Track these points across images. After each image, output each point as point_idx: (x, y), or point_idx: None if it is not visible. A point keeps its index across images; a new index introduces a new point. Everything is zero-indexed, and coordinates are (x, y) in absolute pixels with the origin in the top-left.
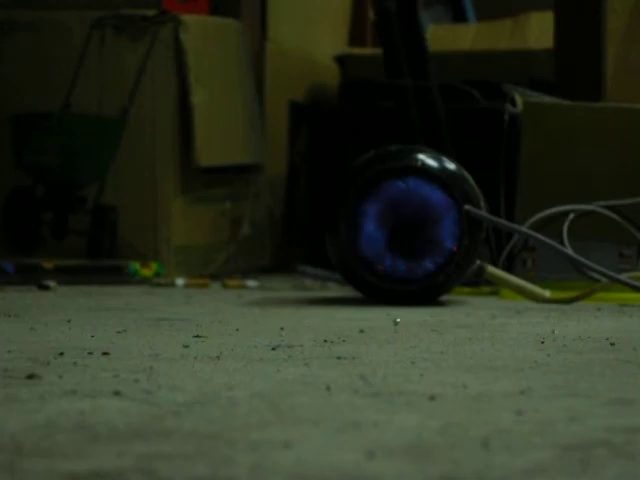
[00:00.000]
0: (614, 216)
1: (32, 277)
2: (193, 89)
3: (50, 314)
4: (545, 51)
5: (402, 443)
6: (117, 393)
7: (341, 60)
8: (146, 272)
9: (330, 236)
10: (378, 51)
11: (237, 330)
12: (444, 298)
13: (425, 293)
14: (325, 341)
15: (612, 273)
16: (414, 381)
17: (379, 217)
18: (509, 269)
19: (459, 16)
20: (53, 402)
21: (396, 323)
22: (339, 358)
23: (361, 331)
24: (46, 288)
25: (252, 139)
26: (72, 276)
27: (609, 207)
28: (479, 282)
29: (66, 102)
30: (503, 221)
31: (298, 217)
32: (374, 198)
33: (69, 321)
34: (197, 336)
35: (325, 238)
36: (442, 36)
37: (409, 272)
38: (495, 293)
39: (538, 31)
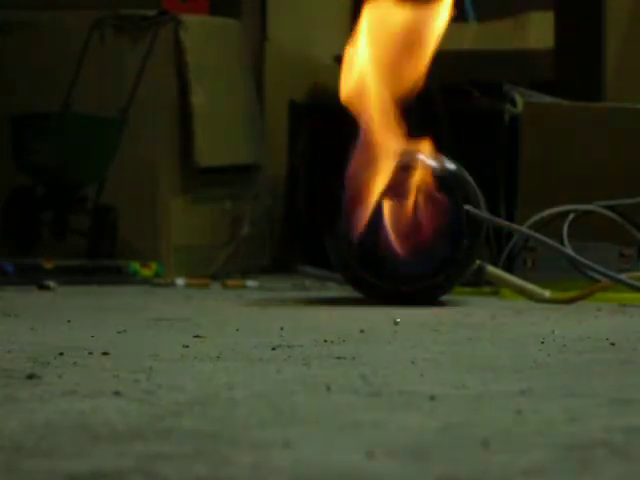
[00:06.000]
0: (614, 216)
1: (32, 277)
2: (193, 89)
3: (50, 314)
4: (545, 51)
5: (402, 443)
6: (117, 393)
7: (341, 60)
8: (146, 272)
9: (329, 236)
10: None
11: (237, 330)
12: (444, 298)
13: (425, 293)
14: (325, 341)
15: (612, 273)
16: (414, 381)
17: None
18: (509, 269)
19: (459, 16)
20: (53, 402)
21: (396, 323)
22: (339, 358)
23: (361, 331)
24: (46, 288)
25: (252, 139)
26: (72, 276)
27: (609, 207)
28: (479, 282)
29: (66, 102)
30: (503, 221)
31: (298, 217)
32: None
33: (69, 321)
34: (197, 336)
35: (325, 238)
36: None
37: (409, 272)
38: (495, 293)
39: (538, 31)
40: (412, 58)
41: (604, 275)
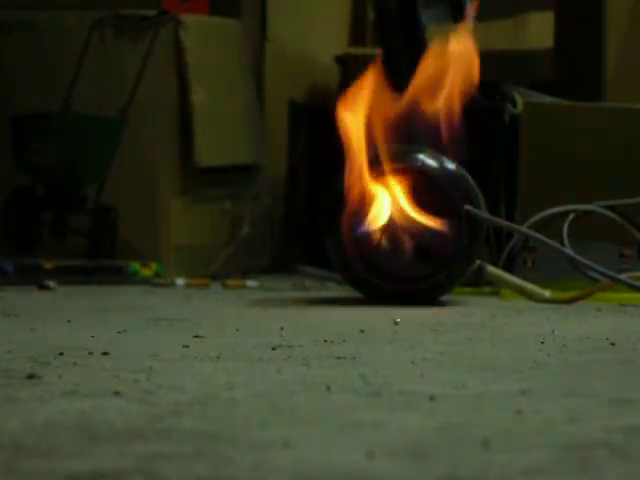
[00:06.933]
0: (614, 216)
1: (32, 277)
2: (193, 89)
3: (50, 314)
4: (545, 51)
5: (402, 443)
6: (117, 393)
7: (341, 60)
8: (146, 272)
9: (329, 236)
10: (378, 51)
11: (237, 330)
12: (444, 298)
13: (425, 293)
14: (325, 341)
15: (612, 273)
16: (414, 381)
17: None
18: (509, 269)
19: (459, 16)
20: (53, 402)
21: (396, 323)
22: (339, 358)
23: (361, 331)
24: (46, 288)
25: (252, 139)
26: (72, 276)
27: (609, 207)
28: (479, 282)
29: (66, 102)
30: (503, 221)
31: (298, 217)
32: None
33: (69, 321)
34: (197, 336)
35: (325, 238)
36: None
37: (409, 272)
38: (495, 293)
39: (538, 31)
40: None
41: (604, 275)
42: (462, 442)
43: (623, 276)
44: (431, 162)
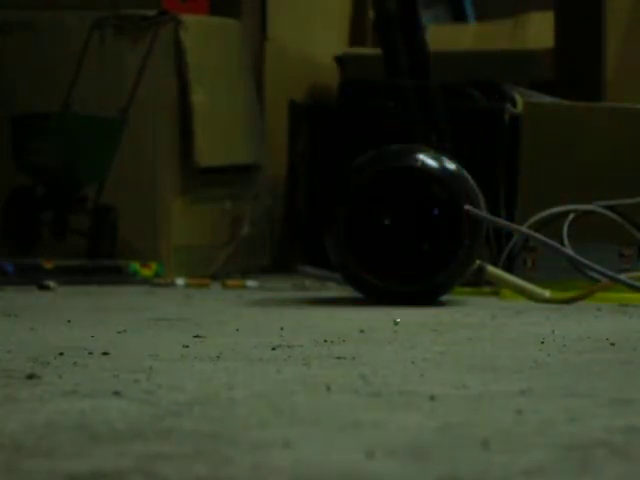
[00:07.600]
0: (614, 216)
1: (32, 277)
2: (193, 89)
3: (50, 314)
4: (545, 51)
5: (402, 443)
6: (117, 393)
7: (341, 60)
8: (146, 272)
9: (330, 236)
10: (378, 51)
11: (237, 330)
12: (444, 298)
13: (425, 293)
14: (325, 341)
15: (612, 273)
16: (414, 381)
17: (379, 217)
18: (509, 269)
19: (459, 16)
20: (53, 402)
21: (396, 323)
22: (339, 358)
23: (361, 331)
24: (46, 288)
25: (252, 139)
26: (72, 276)
27: (609, 207)
28: (479, 282)
29: (66, 102)
30: (503, 221)
31: (298, 217)
32: (374, 198)
33: (69, 321)
34: (197, 336)
35: (325, 238)
36: (442, 36)
37: (409, 272)
38: (495, 293)
39: (538, 31)
40: None
41: (604, 275)
42: (462, 442)
43: (623, 276)
44: (431, 162)
